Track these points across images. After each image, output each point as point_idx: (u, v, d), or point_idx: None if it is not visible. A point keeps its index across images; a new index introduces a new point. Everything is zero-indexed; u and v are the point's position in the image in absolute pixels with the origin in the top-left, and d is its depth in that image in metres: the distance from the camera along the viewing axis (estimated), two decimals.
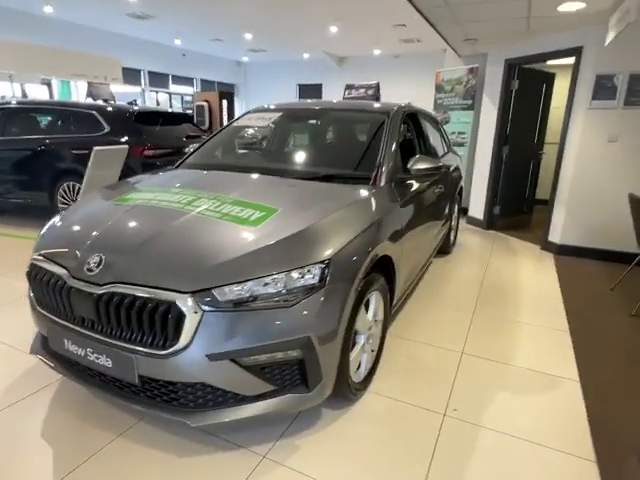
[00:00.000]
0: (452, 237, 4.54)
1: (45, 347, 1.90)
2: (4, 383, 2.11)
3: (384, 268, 2.18)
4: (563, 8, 3.48)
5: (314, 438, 1.82)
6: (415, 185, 2.70)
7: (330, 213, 1.88)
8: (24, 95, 10.63)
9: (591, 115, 4.21)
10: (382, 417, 1.97)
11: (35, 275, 1.80)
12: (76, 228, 1.92)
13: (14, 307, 2.94)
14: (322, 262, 1.64)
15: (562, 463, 1.74)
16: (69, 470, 1.61)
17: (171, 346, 1.49)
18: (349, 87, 5.68)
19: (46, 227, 2.07)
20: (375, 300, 2.08)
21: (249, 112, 3.28)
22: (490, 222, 5.68)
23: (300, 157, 2.99)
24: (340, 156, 2.82)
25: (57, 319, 1.72)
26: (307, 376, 1.62)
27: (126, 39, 13.20)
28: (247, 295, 1.52)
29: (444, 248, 4.32)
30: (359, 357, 2.01)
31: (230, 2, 8.94)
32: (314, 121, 3.28)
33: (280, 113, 3.18)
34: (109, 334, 1.58)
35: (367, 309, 2.03)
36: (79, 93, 13.73)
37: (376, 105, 3.05)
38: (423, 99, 6.83)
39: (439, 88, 6.50)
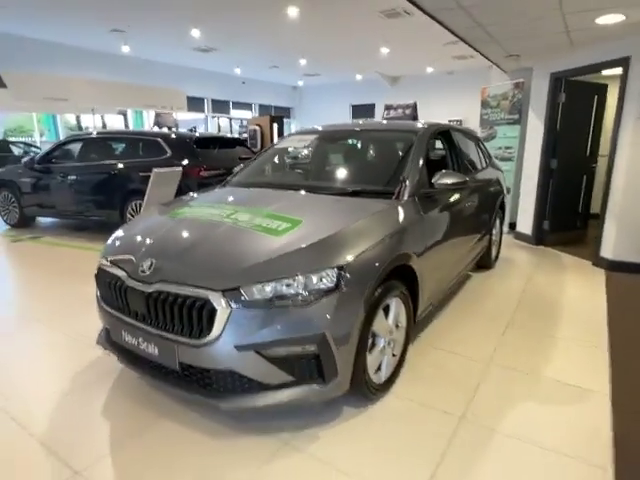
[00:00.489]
0: (494, 252, 4.50)
1: (108, 339, 2.25)
2: (75, 369, 2.49)
3: (407, 277, 2.32)
4: (602, 21, 3.47)
5: (334, 431, 1.98)
6: (442, 199, 2.81)
7: (349, 224, 2.08)
8: (104, 125, 11.90)
9: None
10: (400, 417, 2.09)
11: (101, 277, 2.15)
12: (135, 237, 2.27)
13: (86, 309, 3.39)
14: (338, 267, 1.83)
15: (576, 471, 1.75)
16: (117, 445, 1.90)
17: (205, 337, 1.74)
18: (388, 107, 5.89)
19: (111, 237, 2.44)
20: (395, 306, 2.21)
21: (291, 134, 3.58)
22: (539, 237, 5.53)
23: (332, 175, 3.23)
24: (369, 173, 3.01)
25: (117, 314, 2.05)
26: (323, 370, 1.80)
27: (191, 71, 14.41)
28: (270, 294, 1.74)
29: (484, 263, 4.31)
30: (378, 359, 2.15)
31: (286, 32, 9.55)
32: (348, 141, 3.51)
33: (317, 135, 3.45)
34: (156, 326, 1.87)
35: (387, 314, 2.17)
36: (150, 121, 15.13)
37: (406, 125, 3.23)
38: (476, 113, 6.83)
39: (485, 104, 6.50)
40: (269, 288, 1.75)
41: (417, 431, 1.99)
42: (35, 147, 12.43)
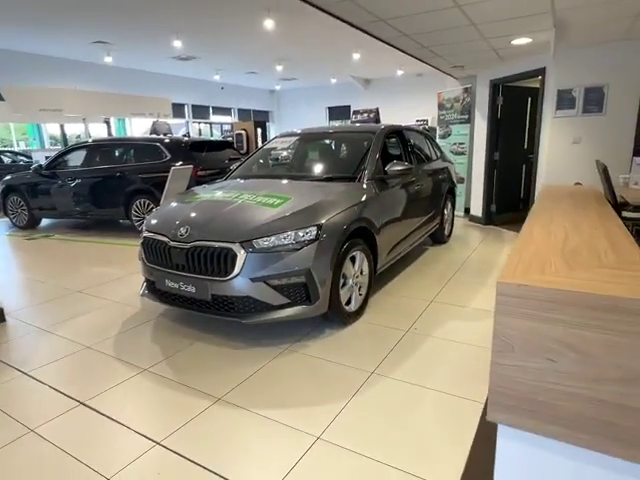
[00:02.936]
0: (447, 229, 5.46)
1: (150, 290, 3.07)
2: (122, 320, 3.30)
3: (368, 239, 3.22)
4: (515, 42, 4.45)
5: (319, 342, 2.86)
6: (393, 182, 3.73)
7: (323, 199, 2.97)
8: (89, 133, 12.47)
9: (557, 123, 5.08)
10: (365, 333, 2.99)
11: (147, 243, 2.98)
12: (168, 216, 3.10)
13: (115, 283, 4.19)
14: (316, 225, 2.72)
15: (476, 352, 2.68)
16: (168, 355, 2.73)
17: (229, 274, 2.60)
18: (355, 112, 6.82)
19: (147, 218, 3.26)
20: (359, 258, 3.11)
21: (276, 137, 4.45)
22: (488, 218, 6.55)
23: (310, 166, 4.13)
24: (338, 164, 3.93)
25: (161, 268, 2.88)
26: (309, 294, 2.68)
27: (172, 78, 15.11)
28: (271, 244, 2.62)
29: (439, 238, 5.26)
30: (348, 293, 3.04)
31: (263, 40, 10.38)
32: (322, 141, 4.42)
33: (298, 137, 4.33)
34: (193, 271, 2.71)
35: (354, 263, 3.07)
36: (133, 128, 15.74)
37: (367, 127, 4.14)
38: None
39: (441, 106, 7.50)
40: (271, 239, 2.63)
41: (376, 339, 2.89)
42: (23, 156, 12.94)
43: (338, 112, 18.41)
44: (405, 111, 14.77)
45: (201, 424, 2.04)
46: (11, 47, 10.73)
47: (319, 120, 18.48)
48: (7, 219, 7.32)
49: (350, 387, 2.31)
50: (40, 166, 6.95)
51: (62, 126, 14.12)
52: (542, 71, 5.17)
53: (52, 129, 15.06)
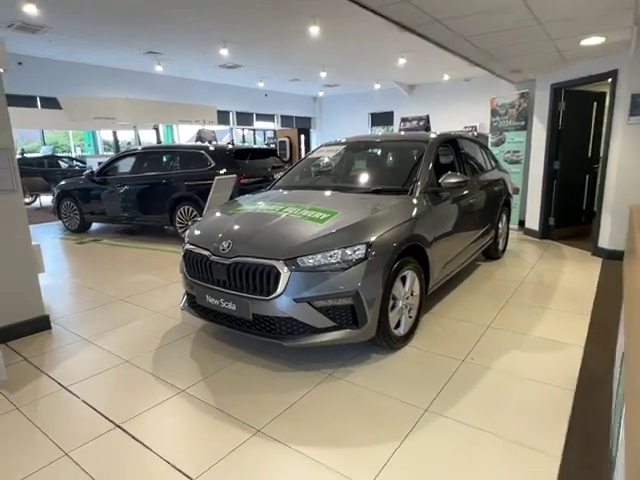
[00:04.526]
0: (501, 244, 5.08)
1: (191, 304, 2.98)
2: (163, 331, 3.23)
3: (420, 257, 2.97)
4: (585, 42, 4.06)
5: (365, 367, 2.64)
6: (447, 195, 3.46)
7: (373, 213, 2.76)
8: (139, 140, 12.93)
9: (630, 130, 4.61)
10: (415, 360, 2.74)
11: (188, 257, 2.89)
12: (211, 228, 3.00)
13: (157, 292, 4.16)
14: (365, 243, 2.51)
15: (545, 391, 2.37)
16: (206, 375, 2.61)
17: (272, 293, 2.44)
18: (404, 120, 6.56)
19: (190, 230, 3.17)
20: (410, 277, 2.87)
21: (321, 146, 4.29)
22: (545, 232, 6.07)
23: (357, 177, 3.93)
24: (389, 175, 3.69)
25: (202, 283, 2.78)
26: (357, 317, 2.47)
27: (218, 86, 15.45)
28: (317, 262, 2.44)
29: (492, 253, 4.90)
30: (397, 316, 2.81)
31: (307, 47, 10.36)
32: (370, 150, 4.21)
33: (344, 145, 4.15)
34: (235, 288, 2.58)
35: (404, 283, 2.83)
36: (180, 134, 16.21)
37: (419, 135, 3.89)
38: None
39: (494, 112, 7.09)
40: (317, 257, 2.45)
41: (428, 369, 2.63)
42: (78, 161, 13.61)
43: (381, 118, 18.15)
44: (452, 117, 14.30)
45: (239, 460, 1.88)
46: (69, 59, 11.31)
47: (361, 126, 18.28)
48: (60, 222, 7.62)
49: (401, 426, 2.08)
50: (92, 172, 7.18)
51: (115, 133, 14.75)
52: (613, 74, 4.71)
53: (106, 135, 15.80)
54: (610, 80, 4.78)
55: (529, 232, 6.36)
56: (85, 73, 11.90)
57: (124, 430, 2.09)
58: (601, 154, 6.06)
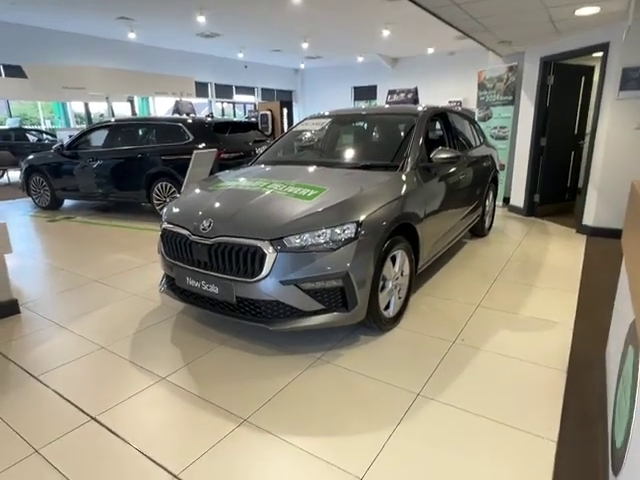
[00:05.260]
0: (487, 221, 5.03)
1: (170, 286, 2.81)
2: (140, 315, 3.07)
3: (410, 236, 2.86)
4: (580, 12, 3.92)
5: (354, 350, 2.56)
6: (438, 171, 3.33)
7: (363, 190, 2.61)
8: (112, 112, 12.34)
9: (619, 105, 4.54)
10: (405, 342, 2.66)
11: (166, 236, 2.70)
12: (190, 206, 2.81)
13: (135, 272, 3.97)
14: (356, 222, 2.38)
15: (537, 372, 2.33)
16: (188, 361, 2.48)
17: (257, 275, 2.30)
18: (391, 92, 6.34)
19: (167, 207, 2.97)
20: (400, 257, 2.76)
21: (306, 119, 4.08)
22: (530, 209, 6.05)
23: (345, 152, 3.76)
24: (377, 150, 3.53)
25: (182, 264, 2.61)
26: (347, 300, 2.36)
27: (196, 56, 14.77)
28: (304, 242, 2.29)
29: (479, 231, 4.85)
30: (387, 298, 2.71)
31: (288, 16, 9.90)
32: (357, 124, 4.02)
33: (330, 118, 3.95)
34: (217, 270, 2.43)
35: (394, 263, 2.72)
36: (156, 107, 15.54)
37: (408, 108, 3.72)
38: (476, 94, 7.23)
39: (481, 86, 6.94)
40: (304, 237, 2.30)
41: (418, 350, 2.56)
42: (48, 134, 12.92)
43: (364, 92, 17.76)
44: (436, 92, 14.07)
45: (224, 453, 1.77)
46: (32, 23, 10.53)
47: (344, 100, 17.89)
48: (30, 199, 7.23)
49: (393, 412, 2.01)
50: (62, 146, 6.78)
51: (86, 104, 14.02)
52: (605, 46, 4.59)
53: (77, 107, 15.00)
54: (601, 54, 4.67)
55: (514, 209, 6.33)
56: (52, 39, 11.15)
57: (100, 423, 1.96)
58: (587, 130, 6.04)
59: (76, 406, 2.08)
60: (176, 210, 2.84)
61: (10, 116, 13.63)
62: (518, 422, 1.93)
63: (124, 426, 1.93)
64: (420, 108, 3.63)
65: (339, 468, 1.68)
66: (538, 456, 1.74)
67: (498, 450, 1.77)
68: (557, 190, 6.14)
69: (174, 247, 2.65)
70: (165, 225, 2.75)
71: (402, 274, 2.83)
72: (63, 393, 2.18)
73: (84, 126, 12.50)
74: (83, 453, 1.78)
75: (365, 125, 3.98)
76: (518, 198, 6.23)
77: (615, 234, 4.79)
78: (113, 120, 6.89)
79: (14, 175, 10.42)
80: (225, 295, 2.43)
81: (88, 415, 2.01)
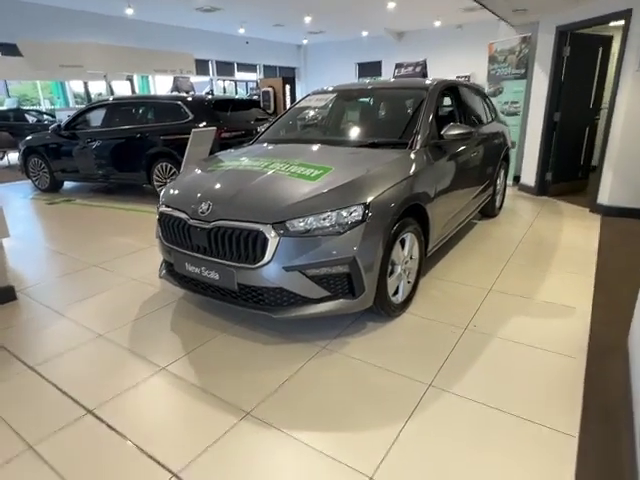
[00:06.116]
0: (498, 201, 4.85)
1: (169, 272, 2.70)
2: (141, 301, 2.97)
3: (420, 217, 2.72)
4: None
5: (361, 338, 2.45)
6: (450, 149, 3.16)
7: (371, 170, 2.46)
8: (111, 91, 12.07)
9: None
10: (415, 328, 2.55)
11: (164, 220, 2.57)
12: (188, 187, 2.67)
13: (135, 257, 3.86)
14: (363, 204, 2.23)
15: (554, 360, 2.21)
16: (189, 350, 2.38)
17: (259, 261, 2.17)
18: (398, 66, 6.07)
19: (165, 189, 2.84)
20: (410, 240, 2.63)
21: (309, 95, 3.89)
22: (542, 188, 5.85)
23: (351, 129, 3.57)
24: (385, 127, 3.35)
25: (180, 249, 2.49)
26: (353, 286, 2.24)
27: (195, 32, 14.33)
28: (309, 226, 2.16)
29: (489, 211, 4.68)
30: (396, 283, 2.59)
31: None
32: (364, 99, 3.82)
33: (335, 94, 3.75)
34: (217, 255, 2.30)
35: (403, 246, 2.59)
36: (156, 86, 15.20)
37: (417, 82, 3.52)
38: (484, 68, 6.95)
39: (492, 59, 6.64)
40: (308, 220, 2.17)
41: (429, 337, 2.45)
42: (48, 114, 12.69)
43: (368, 68, 17.27)
44: (443, 66, 13.61)
45: (227, 450, 1.68)
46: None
47: (348, 77, 17.41)
48: (30, 182, 7.11)
49: (404, 405, 1.90)
50: (59, 126, 6.60)
51: (86, 84, 13.73)
52: (627, 13, 4.31)
53: (76, 87, 14.71)
54: (623, 22, 4.39)
55: (524, 188, 6.14)
56: (47, 16, 10.81)
57: (97, 417, 1.87)
58: (603, 105, 5.77)
59: (72, 398, 1.99)
60: (173, 192, 2.70)
61: (8, 97, 13.39)
62: (536, 415, 1.82)
63: (122, 420, 1.85)
64: (430, 82, 3.43)
65: (347, 466, 1.59)
66: (559, 452, 1.63)
67: (515, 446, 1.67)
68: (570, 168, 5.92)
69: (172, 231, 2.52)
70: (162, 208, 2.62)
71: (411, 258, 2.70)
72: (59, 384, 2.09)
73: (84, 106, 12.27)
74: (79, 449, 1.70)
75: (372, 100, 3.78)
76: (529, 177, 6.02)
77: (632, 213, 4.63)
78: (111, 99, 6.68)
79: (13, 157, 10.27)
80: (226, 282, 2.31)
81: (85, 408, 1.92)
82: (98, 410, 1.91)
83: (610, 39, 5.53)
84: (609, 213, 4.75)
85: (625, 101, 4.43)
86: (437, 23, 14.01)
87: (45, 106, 14.73)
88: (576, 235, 4.21)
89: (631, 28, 4.31)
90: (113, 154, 6.14)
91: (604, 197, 4.81)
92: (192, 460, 1.63)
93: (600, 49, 5.50)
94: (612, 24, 5.31)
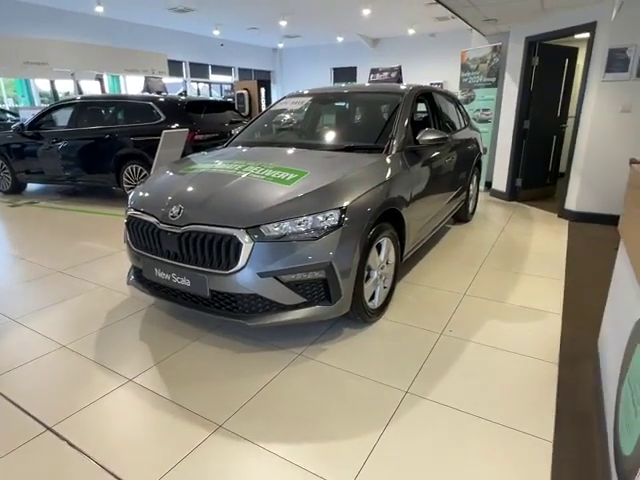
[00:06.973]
0: (471, 206, 4.93)
1: (138, 278, 2.59)
2: (107, 308, 2.84)
3: (395, 222, 2.70)
4: None
5: (337, 345, 2.41)
6: (425, 154, 3.18)
7: (347, 174, 2.43)
8: (80, 91, 11.68)
9: (605, 87, 4.45)
10: (391, 334, 2.53)
11: (132, 224, 2.47)
12: (158, 190, 2.57)
13: (102, 262, 3.70)
14: (340, 209, 2.20)
15: (527, 364, 2.23)
16: (159, 360, 2.28)
17: (233, 267, 2.11)
18: (374, 71, 6.12)
19: (134, 192, 2.73)
20: (386, 245, 2.61)
21: (285, 97, 3.84)
22: (512, 194, 6.00)
23: (327, 133, 3.55)
24: (361, 131, 3.34)
25: (149, 254, 2.39)
26: (330, 292, 2.20)
27: (169, 33, 14.05)
28: (284, 231, 2.11)
29: (462, 216, 4.74)
30: (372, 288, 2.56)
31: None
32: (339, 103, 3.81)
33: (311, 97, 3.72)
34: (188, 261, 2.22)
35: (379, 251, 2.57)
36: (127, 86, 14.81)
37: (393, 87, 3.53)
38: (457, 76, 7.08)
39: (465, 67, 6.78)
40: (283, 225, 2.12)
41: (405, 343, 2.43)
42: (11, 114, 12.15)
43: (343, 74, 17.39)
44: (417, 74, 13.84)
45: (197, 465, 1.60)
46: None
47: (324, 82, 17.47)
48: None
49: (381, 413, 1.87)
50: (22, 125, 6.31)
51: (52, 82, 13.22)
52: (592, 26, 4.48)
53: (43, 86, 14.16)
54: (588, 35, 4.56)
55: (496, 193, 6.27)
56: (11, 10, 10.37)
57: (57, 434, 1.75)
58: (569, 114, 5.97)
59: (30, 415, 1.86)
60: (143, 195, 2.60)
61: None
62: (511, 421, 1.82)
63: (85, 437, 1.74)
64: (405, 87, 3.44)
65: (323, 479, 1.54)
66: (534, 457, 1.64)
67: (493, 452, 1.66)
68: (539, 174, 6.09)
69: (141, 236, 2.42)
70: (131, 212, 2.51)
71: (387, 263, 2.69)
72: (15, 400, 1.96)
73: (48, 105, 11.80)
74: (37, 469, 1.58)
75: (348, 104, 3.77)
76: (500, 182, 6.16)
77: (598, 219, 4.78)
78: (78, 98, 6.44)
79: None
80: (198, 288, 2.23)
81: (44, 425, 1.80)
82: (58, 427, 1.79)
83: (576, 51, 5.73)
84: (576, 218, 4.89)
85: (590, 110, 4.58)
86: (411, 31, 14.26)
87: (8, 105, 14.10)
88: (545, 240, 4.31)
89: (596, 40, 4.47)
90: (81, 155, 5.92)
91: (571, 203, 4.96)
92: (160, 478, 1.54)
93: (567, 60, 5.70)
94: (577, 36, 5.50)
